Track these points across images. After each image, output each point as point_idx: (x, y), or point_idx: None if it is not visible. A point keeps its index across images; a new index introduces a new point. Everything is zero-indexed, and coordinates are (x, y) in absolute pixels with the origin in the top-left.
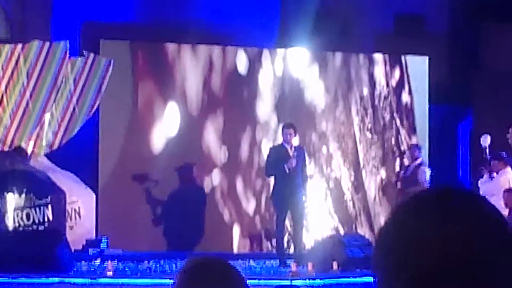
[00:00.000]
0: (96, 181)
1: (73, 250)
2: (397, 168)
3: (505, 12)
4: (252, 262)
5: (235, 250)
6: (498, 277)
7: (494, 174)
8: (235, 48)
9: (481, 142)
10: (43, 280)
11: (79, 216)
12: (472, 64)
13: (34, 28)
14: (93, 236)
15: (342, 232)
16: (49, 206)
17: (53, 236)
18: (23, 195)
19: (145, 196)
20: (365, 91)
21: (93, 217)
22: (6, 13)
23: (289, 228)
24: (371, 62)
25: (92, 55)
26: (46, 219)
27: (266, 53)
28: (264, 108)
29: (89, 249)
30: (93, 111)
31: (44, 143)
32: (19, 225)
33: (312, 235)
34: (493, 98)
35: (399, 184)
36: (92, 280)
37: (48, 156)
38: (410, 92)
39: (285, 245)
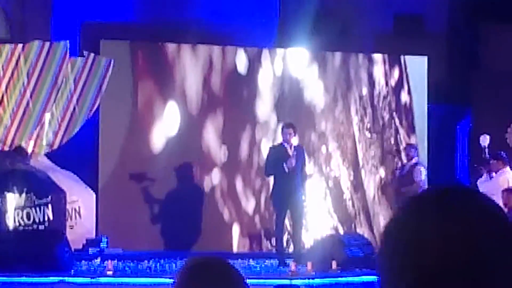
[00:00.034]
0: (96, 181)
1: (73, 250)
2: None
3: (504, 12)
4: (251, 262)
5: (235, 250)
6: (498, 276)
7: (493, 173)
8: (234, 48)
9: (480, 142)
10: (43, 279)
11: (79, 216)
12: (471, 64)
13: (34, 28)
14: (93, 235)
15: (341, 231)
16: (49, 206)
17: (53, 235)
18: (24, 195)
19: (145, 195)
20: (364, 91)
21: (93, 217)
22: (6, 13)
23: (289, 228)
24: (371, 62)
25: (92, 55)
26: (46, 219)
27: (265, 53)
28: (264, 107)
29: (89, 249)
30: (93, 111)
31: (44, 142)
32: (20, 224)
33: (311, 235)
34: (492, 98)
35: (394, 183)
36: (92, 280)
37: (48, 155)
38: (409, 92)
39: (285, 244)
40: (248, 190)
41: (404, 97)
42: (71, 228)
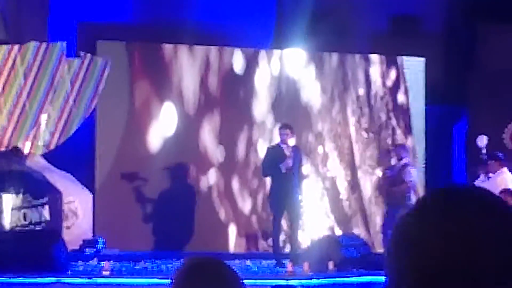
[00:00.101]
0: (92, 181)
1: (69, 250)
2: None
3: (501, 13)
4: (248, 262)
5: (231, 250)
6: (499, 275)
7: (491, 174)
8: (231, 48)
9: (478, 143)
10: (40, 280)
11: (76, 216)
12: (468, 64)
13: (30, 29)
14: (90, 236)
15: (338, 231)
16: (46, 206)
17: (50, 236)
18: (20, 195)
19: (142, 196)
20: (361, 91)
21: (90, 217)
22: (2, 14)
23: (285, 228)
24: (367, 62)
25: (88, 55)
26: (43, 219)
27: (262, 53)
28: (261, 108)
29: (86, 249)
30: (90, 111)
31: (41, 143)
32: (16, 225)
33: (308, 235)
34: (489, 99)
35: (385, 183)
36: (89, 280)
37: (45, 156)
38: (406, 93)
39: (281, 244)
40: (245, 190)
41: (401, 97)
42: (68, 229)
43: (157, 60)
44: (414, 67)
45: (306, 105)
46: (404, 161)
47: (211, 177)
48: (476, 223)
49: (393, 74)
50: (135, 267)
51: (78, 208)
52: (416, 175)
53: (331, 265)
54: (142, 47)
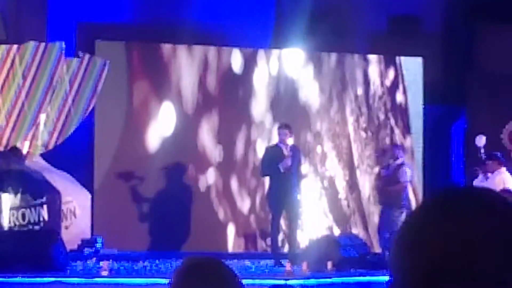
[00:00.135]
0: (91, 181)
1: (68, 250)
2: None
3: (500, 13)
4: (247, 262)
5: (230, 250)
6: (499, 275)
7: (489, 174)
8: (230, 48)
9: (476, 143)
10: (39, 279)
11: (75, 216)
12: (466, 64)
13: (29, 28)
14: (88, 236)
15: (336, 231)
16: (45, 206)
17: (49, 236)
18: (19, 195)
19: (140, 196)
20: (360, 91)
21: (88, 217)
22: (1, 13)
23: (284, 228)
24: (366, 62)
25: (87, 55)
26: (41, 219)
27: (261, 53)
28: (259, 107)
29: (85, 249)
30: (88, 111)
31: (39, 143)
32: (15, 225)
33: (306, 235)
34: (488, 99)
35: (379, 182)
36: (87, 280)
37: (43, 156)
38: (404, 92)
39: (280, 244)
40: (244, 190)
41: (400, 97)
42: (66, 229)
43: (156, 60)
44: (412, 67)
45: (304, 104)
46: (399, 161)
47: (210, 177)
48: (476, 223)
49: (391, 74)
50: (134, 267)
51: (77, 208)
52: (411, 175)
53: (329, 265)
54: (141, 47)
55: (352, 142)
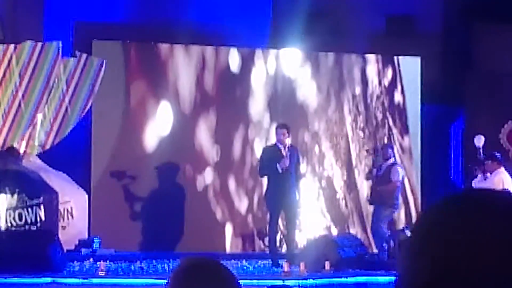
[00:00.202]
0: (88, 181)
1: (65, 250)
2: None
3: (497, 12)
4: (244, 262)
5: (228, 250)
6: (499, 283)
7: (488, 174)
8: (227, 48)
9: (475, 143)
10: (36, 280)
11: (72, 216)
12: (464, 64)
13: (26, 28)
14: (86, 236)
15: (334, 231)
16: (42, 206)
17: (46, 236)
18: (15, 195)
19: (137, 196)
20: (358, 90)
21: (85, 217)
22: None
23: (282, 228)
24: (363, 62)
25: (84, 55)
26: (38, 219)
27: (259, 52)
28: (257, 107)
29: (82, 249)
30: (85, 111)
31: (36, 143)
32: (11, 225)
33: (304, 235)
34: (486, 98)
35: (371, 182)
36: (85, 280)
37: (40, 156)
38: (402, 92)
39: (278, 244)
40: (241, 189)
41: (398, 97)
42: (63, 229)
43: (153, 60)
44: (410, 66)
45: (302, 104)
46: (391, 160)
47: (207, 177)
48: (478, 229)
49: (389, 73)
50: (131, 267)
51: (74, 208)
52: (403, 175)
53: (327, 265)
54: (138, 47)
55: (350, 141)
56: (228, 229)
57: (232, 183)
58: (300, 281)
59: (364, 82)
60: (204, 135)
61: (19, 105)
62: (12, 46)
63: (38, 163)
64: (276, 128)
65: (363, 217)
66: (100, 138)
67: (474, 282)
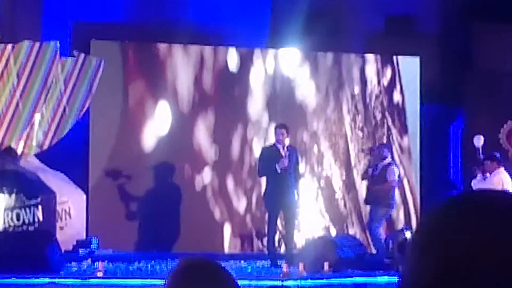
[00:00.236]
0: (86, 182)
1: (63, 251)
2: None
3: (496, 12)
4: (243, 263)
5: (226, 250)
6: (499, 284)
7: (487, 174)
8: (226, 47)
9: (474, 143)
10: (33, 280)
11: (69, 217)
12: (463, 64)
13: (24, 28)
14: (83, 236)
15: (333, 231)
16: (39, 207)
17: (43, 236)
18: (13, 196)
19: (135, 196)
20: (356, 90)
21: (83, 218)
22: None
23: (281, 228)
24: (362, 62)
25: (82, 55)
26: (36, 220)
27: (257, 52)
28: (256, 107)
29: (80, 250)
30: (83, 111)
31: (34, 143)
32: (9, 225)
33: (303, 235)
34: (485, 98)
35: (367, 182)
36: (83, 281)
37: (38, 156)
38: (401, 92)
39: (276, 245)
40: (240, 189)
41: (397, 97)
42: (61, 229)
43: (151, 60)
44: (409, 66)
45: (301, 104)
46: (387, 160)
47: (206, 176)
48: (477, 228)
49: (388, 73)
50: (129, 267)
51: (72, 209)
52: (399, 174)
53: (326, 266)
54: (136, 47)
55: (349, 141)
56: (227, 229)
57: (230, 183)
58: (299, 282)
59: (363, 82)
60: (202, 134)
61: (17, 105)
62: (10, 45)
63: (36, 163)
64: (275, 128)
65: (362, 217)
66: (98, 138)
67: (474, 282)
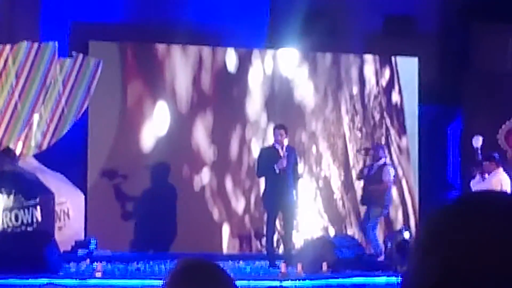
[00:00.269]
0: (85, 182)
1: (61, 251)
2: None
3: (495, 12)
4: (241, 263)
5: (225, 251)
6: (499, 285)
7: (486, 175)
8: (224, 48)
9: (473, 143)
10: (32, 281)
11: (68, 217)
12: (462, 64)
13: (22, 28)
14: (82, 237)
15: (331, 231)
16: (38, 207)
17: (42, 237)
18: (12, 196)
19: (134, 196)
20: (355, 90)
21: (82, 218)
22: None
23: (279, 228)
24: (361, 62)
25: (81, 55)
26: (34, 220)
27: (256, 53)
28: (254, 107)
29: (78, 250)
30: (82, 112)
31: (32, 144)
32: (8, 226)
33: (301, 235)
34: (484, 99)
35: (362, 182)
36: (81, 281)
37: (37, 157)
38: (400, 92)
39: (275, 245)
40: (238, 190)
41: (395, 97)
42: (60, 230)
43: (149, 60)
44: (408, 67)
45: (299, 104)
46: (382, 160)
47: (204, 177)
48: (477, 229)
49: (387, 73)
50: (128, 268)
51: (70, 209)
52: (394, 175)
53: (325, 266)
54: (134, 47)
55: (347, 142)
56: (225, 229)
57: (229, 183)
58: (297, 282)
59: (362, 82)
60: (201, 135)
61: (16, 105)
62: (8, 46)
63: (34, 164)
64: (274, 129)
65: (360, 218)
66: (96, 139)
67: (474, 282)
